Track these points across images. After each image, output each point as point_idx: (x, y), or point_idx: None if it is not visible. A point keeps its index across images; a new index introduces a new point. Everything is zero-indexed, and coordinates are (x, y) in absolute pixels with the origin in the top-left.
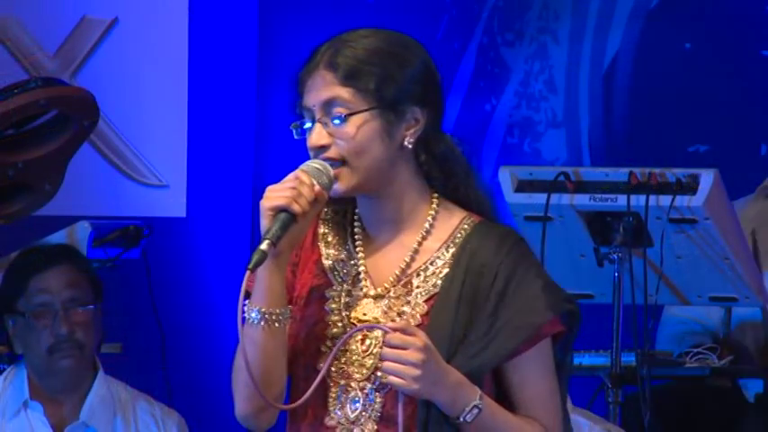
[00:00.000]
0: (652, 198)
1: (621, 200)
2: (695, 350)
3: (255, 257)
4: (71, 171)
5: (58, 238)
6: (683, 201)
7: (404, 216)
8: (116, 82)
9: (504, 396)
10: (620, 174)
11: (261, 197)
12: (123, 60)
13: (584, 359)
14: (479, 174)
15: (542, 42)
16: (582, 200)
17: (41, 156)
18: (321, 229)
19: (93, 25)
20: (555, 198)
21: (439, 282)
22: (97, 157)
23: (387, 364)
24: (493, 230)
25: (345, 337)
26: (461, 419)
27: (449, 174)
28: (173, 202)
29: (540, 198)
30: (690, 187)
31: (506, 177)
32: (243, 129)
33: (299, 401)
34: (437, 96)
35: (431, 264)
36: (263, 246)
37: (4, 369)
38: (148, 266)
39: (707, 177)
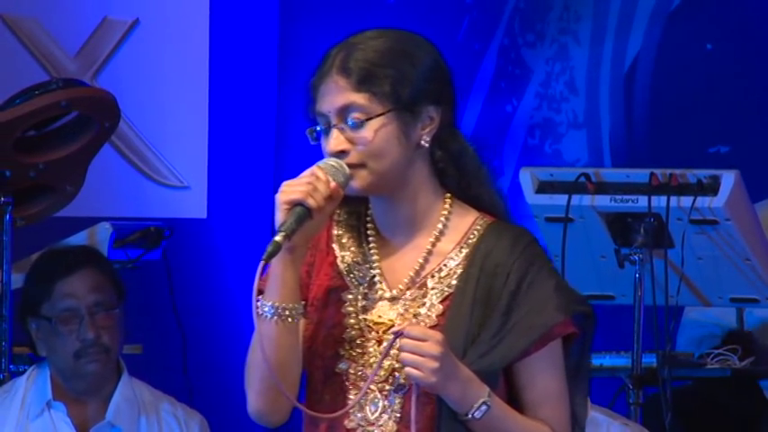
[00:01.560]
0: (673, 199)
1: (642, 201)
2: (716, 351)
3: (270, 249)
4: (92, 172)
5: (78, 239)
6: (703, 202)
7: (417, 217)
8: (137, 83)
9: (513, 397)
10: (640, 175)
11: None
12: (144, 61)
13: (605, 360)
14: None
15: (563, 43)
16: (603, 201)
17: (63, 157)
18: (335, 231)
19: (114, 26)
20: (576, 199)
21: (453, 282)
22: (118, 159)
23: (405, 355)
24: (506, 231)
25: (388, 345)
26: (470, 416)
27: (463, 171)
28: (194, 204)
29: (560, 199)
30: (711, 188)
31: (527, 178)
32: (263, 130)
33: (338, 413)
34: (450, 93)
35: (444, 265)
36: (278, 237)
37: (25, 370)
38: (169, 268)
39: (728, 178)
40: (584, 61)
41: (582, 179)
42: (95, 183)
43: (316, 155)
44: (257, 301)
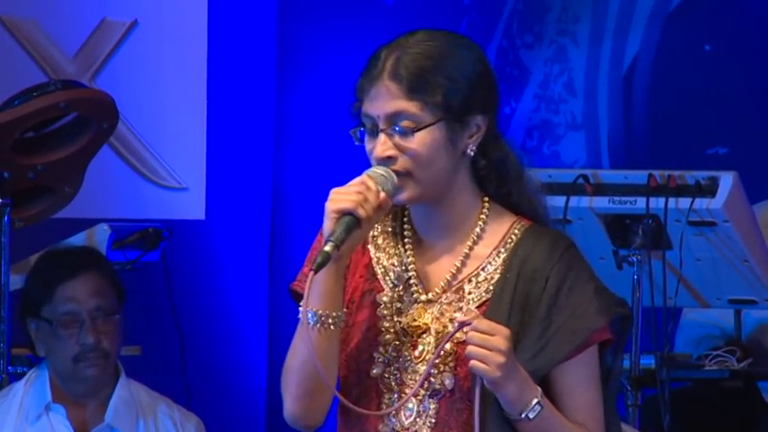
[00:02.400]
0: (671, 200)
1: (641, 202)
2: (714, 353)
3: (319, 259)
4: (90, 173)
5: (77, 240)
6: (702, 203)
7: (456, 221)
8: (135, 84)
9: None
10: (639, 176)
11: (280, 200)
12: (143, 63)
13: None
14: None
15: (561, 45)
16: (601, 202)
17: (61, 158)
18: (371, 232)
19: (112, 28)
20: (574, 201)
21: (491, 288)
22: (116, 160)
23: (472, 348)
24: (544, 235)
25: (440, 348)
26: (524, 416)
27: (504, 179)
28: (192, 205)
29: (559, 201)
30: (709, 190)
31: None
32: (262, 131)
33: (386, 411)
34: (496, 99)
35: (482, 270)
36: (328, 248)
37: (25, 372)
38: (168, 269)
39: (726, 180)
40: (582, 62)
41: (580, 180)
42: (94, 184)
43: (314, 156)
44: (299, 307)
